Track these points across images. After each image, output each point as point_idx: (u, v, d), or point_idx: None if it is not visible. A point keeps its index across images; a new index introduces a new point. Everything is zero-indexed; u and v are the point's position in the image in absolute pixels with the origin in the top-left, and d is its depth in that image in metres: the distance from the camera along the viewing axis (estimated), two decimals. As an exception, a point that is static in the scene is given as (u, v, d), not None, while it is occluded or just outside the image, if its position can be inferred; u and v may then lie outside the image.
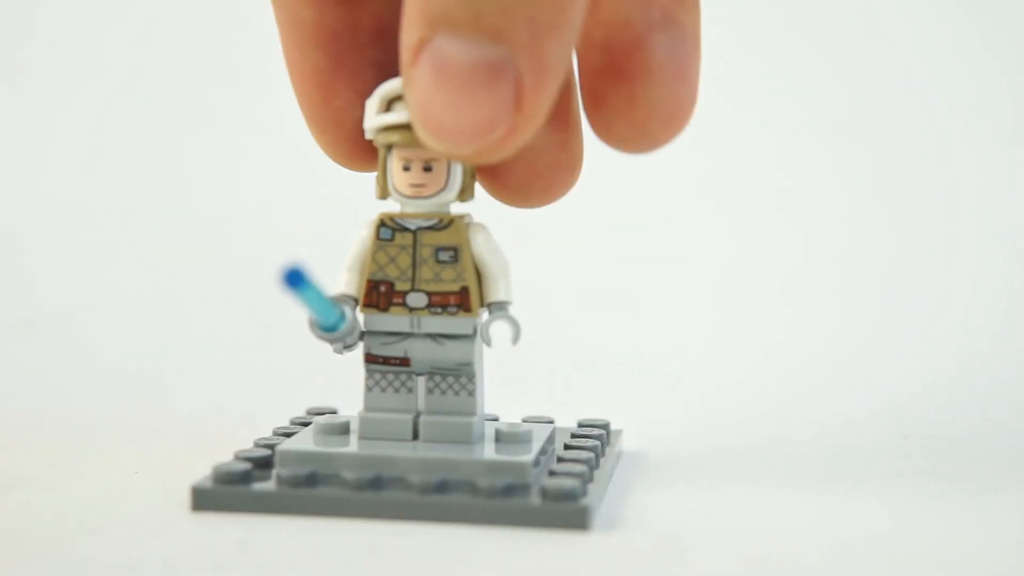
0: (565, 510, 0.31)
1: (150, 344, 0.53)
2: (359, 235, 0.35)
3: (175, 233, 0.58)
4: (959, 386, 0.49)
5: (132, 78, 0.62)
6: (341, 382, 0.48)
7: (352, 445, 0.34)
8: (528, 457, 0.33)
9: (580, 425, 0.39)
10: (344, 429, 0.35)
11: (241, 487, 0.32)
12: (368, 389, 0.35)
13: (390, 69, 0.33)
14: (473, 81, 0.27)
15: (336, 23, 0.33)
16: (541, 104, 0.28)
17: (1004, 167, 0.61)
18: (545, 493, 0.31)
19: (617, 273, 0.58)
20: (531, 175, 0.33)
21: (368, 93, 0.33)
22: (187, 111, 0.62)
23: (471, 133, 0.28)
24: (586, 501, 0.31)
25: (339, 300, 0.34)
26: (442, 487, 0.32)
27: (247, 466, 0.33)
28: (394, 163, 0.34)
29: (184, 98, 0.62)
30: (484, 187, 0.34)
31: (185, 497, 0.33)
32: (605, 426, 0.39)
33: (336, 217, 0.59)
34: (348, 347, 0.35)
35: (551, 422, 0.38)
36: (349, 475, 0.32)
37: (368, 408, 0.35)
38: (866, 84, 0.63)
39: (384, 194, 0.34)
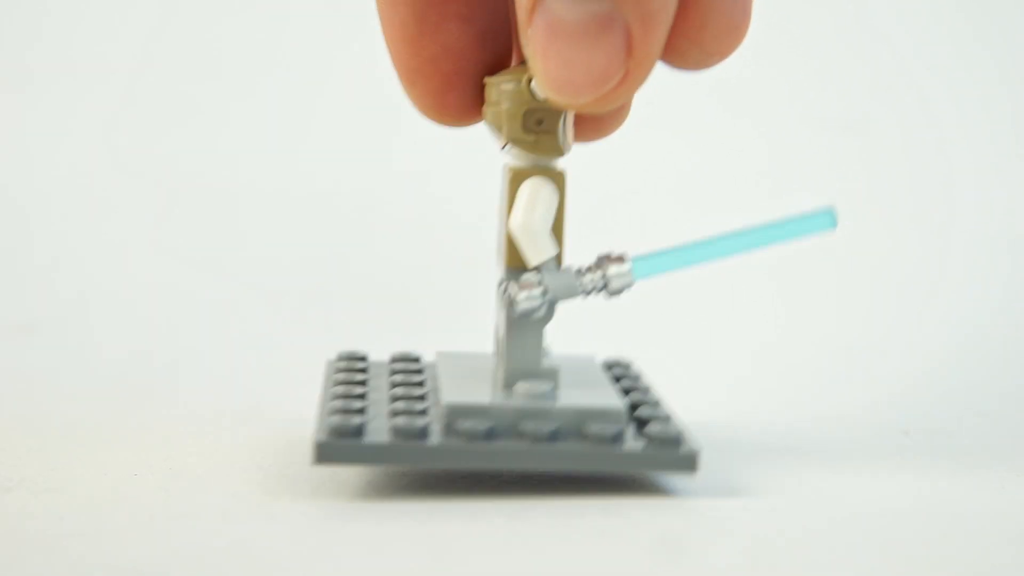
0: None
1: (150, 345, 0.53)
2: (546, 195, 0.35)
3: (173, 234, 0.58)
4: (958, 381, 0.49)
5: (137, 79, 0.62)
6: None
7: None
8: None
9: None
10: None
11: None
12: None
13: (475, 23, 0.34)
14: (584, 35, 0.29)
15: None
16: (651, 50, 0.29)
17: (1002, 160, 0.61)
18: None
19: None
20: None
21: (453, 46, 0.34)
22: (184, 109, 0.62)
23: (587, 84, 0.29)
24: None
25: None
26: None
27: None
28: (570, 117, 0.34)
29: (181, 97, 0.62)
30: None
31: (183, 498, 0.33)
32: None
33: (333, 211, 0.60)
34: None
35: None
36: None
37: None
38: (863, 77, 0.63)
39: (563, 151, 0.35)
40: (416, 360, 0.40)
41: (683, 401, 0.46)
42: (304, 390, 0.46)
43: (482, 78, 0.34)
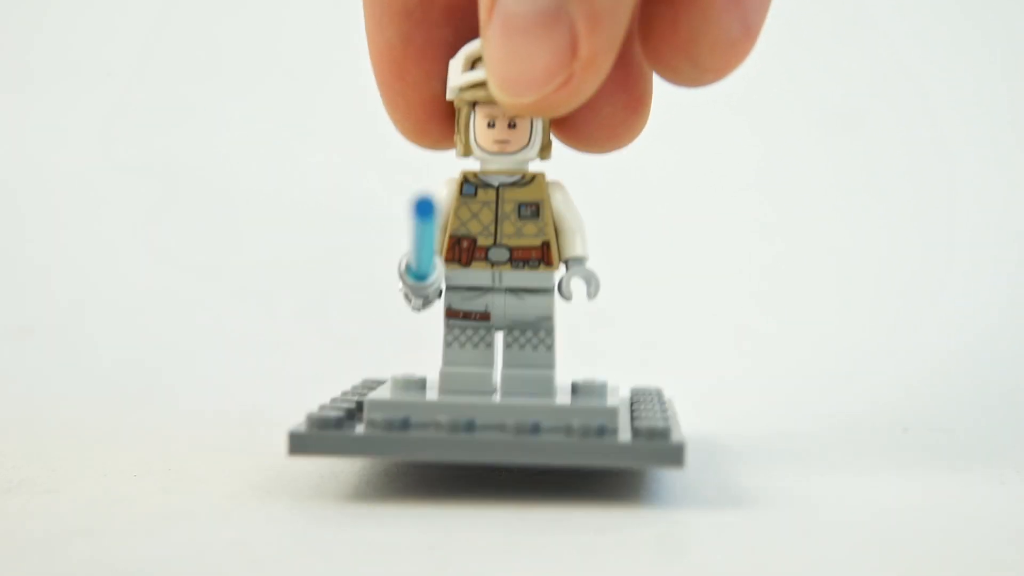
0: (661, 447, 0.31)
1: (149, 346, 0.53)
2: (439, 194, 0.35)
3: (171, 234, 0.58)
4: (958, 378, 0.49)
5: (134, 82, 0.62)
6: (347, 381, 0.49)
7: (437, 398, 0.34)
8: (614, 403, 0.33)
9: (634, 391, 0.40)
10: (422, 385, 0.35)
11: (336, 431, 0.32)
12: (447, 345, 0.35)
13: (459, 49, 0.34)
14: (531, 31, 0.29)
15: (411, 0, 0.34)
16: (598, 51, 0.29)
17: (1001, 157, 0.61)
18: (638, 432, 0.32)
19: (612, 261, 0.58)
20: (591, 115, 0.34)
21: (437, 72, 0.34)
22: (181, 111, 0.62)
23: (531, 82, 0.29)
24: (679, 438, 0.32)
25: None
26: (536, 429, 0.32)
27: (340, 413, 0.33)
28: (478, 120, 0.35)
29: (179, 100, 0.62)
30: (553, 133, 0.35)
31: (183, 498, 0.33)
32: (658, 392, 0.40)
33: (331, 214, 0.60)
34: (427, 303, 0.35)
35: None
36: (443, 420, 0.32)
37: (447, 363, 0.35)
38: (862, 73, 0.63)
39: (467, 152, 0.35)
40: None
41: (683, 401, 0.46)
42: (303, 391, 0.46)
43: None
